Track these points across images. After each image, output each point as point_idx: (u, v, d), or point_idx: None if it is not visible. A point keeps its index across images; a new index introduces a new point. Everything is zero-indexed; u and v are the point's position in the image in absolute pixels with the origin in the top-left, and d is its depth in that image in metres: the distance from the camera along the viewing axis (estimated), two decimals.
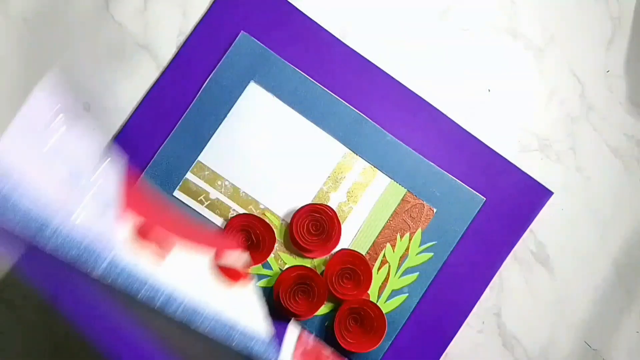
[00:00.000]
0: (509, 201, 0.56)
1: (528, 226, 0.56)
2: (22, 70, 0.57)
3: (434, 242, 0.56)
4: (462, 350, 0.57)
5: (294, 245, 0.56)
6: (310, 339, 0.53)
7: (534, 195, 0.57)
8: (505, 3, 0.57)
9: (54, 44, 0.57)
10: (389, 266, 0.56)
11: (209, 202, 0.56)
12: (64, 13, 0.57)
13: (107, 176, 0.42)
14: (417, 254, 0.56)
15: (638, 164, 0.57)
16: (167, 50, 0.57)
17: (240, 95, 0.56)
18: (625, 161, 0.57)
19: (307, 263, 0.56)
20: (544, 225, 0.57)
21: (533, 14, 0.57)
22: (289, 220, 0.56)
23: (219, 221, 0.56)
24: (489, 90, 0.57)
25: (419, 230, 0.56)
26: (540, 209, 0.56)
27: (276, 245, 0.56)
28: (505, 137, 0.57)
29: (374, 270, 0.56)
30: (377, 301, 0.56)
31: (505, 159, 0.56)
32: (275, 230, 0.56)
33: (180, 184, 0.56)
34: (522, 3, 0.57)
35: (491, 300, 0.57)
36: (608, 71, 0.57)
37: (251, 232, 0.55)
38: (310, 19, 0.57)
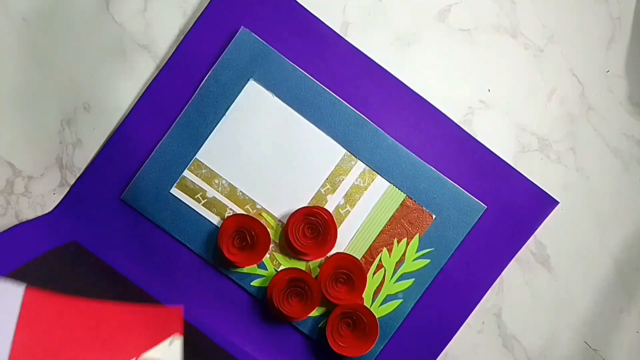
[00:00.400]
0: (512, 209, 0.56)
1: (531, 235, 0.56)
2: (22, 70, 0.57)
3: (431, 249, 0.56)
4: (462, 350, 0.57)
5: (289, 248, 0.56)
6: None
7: (538, 204, 0.56)
8: (505, 3, 0.57)
9: (54, 44, 0.57)
10: (385, 271, 0.56)
11: (205, 200, 0.56)
12: (64, 13, 0.57)
13: None
14: (413, 260, 0.56)
15: (638, 164, 0.57)
16: (167, 50, 0.57)
17: (239, 93, 0.56)
18: (625, 161, 0.57)
19: (302, 265, 0.56)
20: (544, 225, 0.56)
21: (533, 13, 0.57)
22: (285, 221, 0.56)
23: (215, 220, 0.56)
24: (489, 90, 0.57)
25: (417, 236, 0.56)
26: (544, 218, 0.56)
27: (272, 246, 0.56)
28: (505, 137, 0.57)
29: (370, 275, 0.56)
30: (371, 305, 0.56)
31: (509, 165, 0.56)
32: (271, 231, 0.56)
33: (177, 181, 0.56)
34: (522, 3, 0.57)
35: (491, 301, 0.57)
36: (608, 71, 0.57)
37: (246, 233, 0.55)
38: (312, 14, 0.56)
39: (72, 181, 0.57)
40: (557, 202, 0.56)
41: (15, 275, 0.47)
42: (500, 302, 0.57)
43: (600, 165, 0.57)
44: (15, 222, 0.57)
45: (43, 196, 0.57)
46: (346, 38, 0.57)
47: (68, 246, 0.54)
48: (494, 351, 0.57)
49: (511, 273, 0.57)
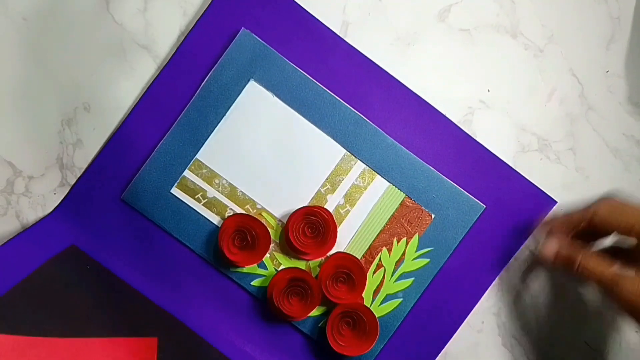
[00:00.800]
0: (510, 209, 0.56)
1: (529, 235, 0.56)
2: (22, 70, 0.57)
3: (430, 248, 0.56)
4: (461, 350, 0.57)
5: (289, 248, 0.56)
6: None
7: (536, 204, 0.56)
8: (505, 3, 0.57)
9: (54, 44, 0.57)
10: (385, 270, 0.56)
11: (206, 200, 0.56)
12: (64, 13, 0.57)
13: None
14: (413, 259, 0.56)
15: (638, 164, 0.57)
16: (167, 50, 0.57)
17: (240, 93, 0.56)
18: (625, 161, 0.57)
19: (302, 265, 0.56)
20: None
21: (533, 13, 0.57)
22: (285, 221, 0.56)
23: (215, 220, 0.56)
24: (489, 90, 0.57)
25: (416, 235, 0.56)
26: (543, 218, 0.56)
27: (272, 245, 0.56)
28: (505, 137, 0.57)
29: (369, 274, 0.56)
30: (371, 305, 0.56)
31: (508, 165, 0.56)
32: (271, 230, 0.56)
33: (178, 181, 0.56)
34: (522, 3, 0.57)
35: (491, 300, 0.57)
36: (608, 71, 0.57)
37: (247, 232, 0.55)
38: (312, 15, 0.56)
39: (72, 181, 0.57)
40: (556, 202, 0.56)
41: (15, 292, 0.47)
42: (499, 302, 0.57)
43: (600, 166, 0.57)
44: (16, 222, 0.57)
45: (43, 196, 0.57)
46: (346, 38, 0.57)
47: (67, 252, 0.54)
48: (494, 351, 0.57)
49: (511, 272, 0.57)
